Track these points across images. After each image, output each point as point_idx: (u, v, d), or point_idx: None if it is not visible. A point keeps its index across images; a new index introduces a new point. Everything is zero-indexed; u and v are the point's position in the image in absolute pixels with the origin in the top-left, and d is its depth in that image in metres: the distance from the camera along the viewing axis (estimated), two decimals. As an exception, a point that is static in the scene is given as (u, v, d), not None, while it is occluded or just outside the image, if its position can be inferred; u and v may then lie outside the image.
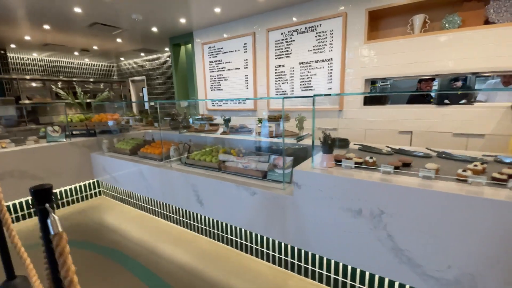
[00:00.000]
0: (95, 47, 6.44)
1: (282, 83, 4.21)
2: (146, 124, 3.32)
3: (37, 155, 2.91)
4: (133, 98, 9.08)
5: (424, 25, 3.20)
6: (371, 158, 1.68)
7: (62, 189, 3.24)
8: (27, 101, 6.07)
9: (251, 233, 2.13)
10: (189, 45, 5.83)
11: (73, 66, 8.15)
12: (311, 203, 1.66)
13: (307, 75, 3.94)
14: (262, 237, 2.06)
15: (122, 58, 8.25)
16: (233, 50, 4.70)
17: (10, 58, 6.67)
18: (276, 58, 4.21)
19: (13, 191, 2.75)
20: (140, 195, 3.05)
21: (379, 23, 3.52)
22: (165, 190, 2.58)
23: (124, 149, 3.20)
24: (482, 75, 3.12)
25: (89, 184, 3.50)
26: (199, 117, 2.63)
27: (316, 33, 3.76)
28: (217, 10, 4.05)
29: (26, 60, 7.09)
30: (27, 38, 5.28)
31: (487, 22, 2.87)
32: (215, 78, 5.09)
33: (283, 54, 4.12)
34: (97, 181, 3.58)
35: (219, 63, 4.96)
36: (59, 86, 7.53)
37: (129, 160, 2.98)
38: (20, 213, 2.90)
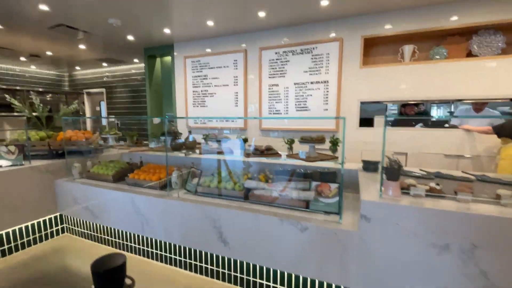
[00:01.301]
0: (49, 53, 5.45)
1: (276, 102, 4.03)
2: (134, 143, 2.74)
3: (-21, 186, 2.10)
4: (88, 113, 7.91)
5: (413, 55, 3.40)
6: (437, 184, 1.54)
7: (16, 227, 2.39)
8: None
9: (291, 276, 1.77)
10: (167, 58, 5.34)
11: (14, 73, 6.79)
12: (384, 239, 1.41)
13: (303, 95, 3.84)
14: (305, 280, 1.72)
15: (77, 67, 7.20)
16: (221, 66, 4.40)
17: None
18: (270, 77, 4.04)
19: None
20: (125, 233, 2.42)
21: (371, 49, 3.66)
22: (170, 226, 2.06)
23: (104, 174, 2.55)
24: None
25: (49, 219, 2.69)
26: (213, 138, 2.23)
27: (312, 55, 3.73)
28: (210, 23, 3.76)
29: (-52, 62, 5.63)
30: (-41, 35, 4.16)
31: (469, 54, 3.18)
32: (198, 94, 4.68)
33: (278, 74, 3.98)
34: (60, 216, 2.78)
35: (204, 78, 4.58)
36: (-7, 96, 6.14)
37: (113, 188, 2.36)
38: None
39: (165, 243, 2.21)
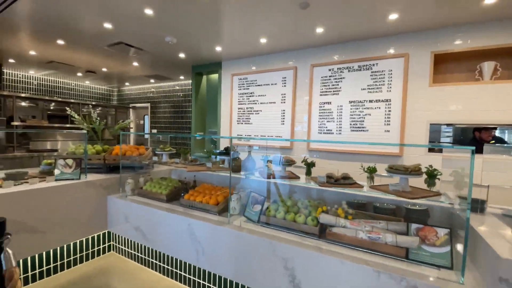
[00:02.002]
0: (104, 69, 5.75)
1: (328, 121, 3.74)
2: (187, 161, 2.59)
3: (41, 199, 2.04)
4: (133, 126, 8.21)
5: (495, 73, 2.95)
6: None
7: (65, 245, 2.30)
8: (18, 123, 5.07)
9: None
10: (213, 75, 5.35)
11: (69, 87, 7.30)
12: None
13: (359, 114, 3.51)
14: None
15: (127, 83, 7.56)
16: (269, 83, 4.25)
17: (4, 74, 5.77)
18: (321, 95, 3.78)
19: None
20: (177, 260, 2.20)
21: (441, 66, 3.26)
22: (230, 260, 1.80)
23: (157, 193, 2.41)
24: None
25: (98, 236, 2.59)
26: (284, 159, 1.99)
27: (372, 72, 3.42)
28: (263, 40, 3.64)
29: (20, 77, 6.19)
30: (32, 53, 4.51)
31: None
32: (244, 111, 4.54)
33: (330, 91, 3.72)
34: (108, 233, 2.67)
35: (250, 96, 4.45)
36: (52, 108, 6.59)
37: (167, 209, 2.19)
38: None
39: (220, 277, 1.95)
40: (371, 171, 1.80)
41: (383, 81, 3.34)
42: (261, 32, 3.41)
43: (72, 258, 2.37)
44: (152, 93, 7.51)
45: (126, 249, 2.56)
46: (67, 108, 2.94)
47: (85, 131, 2.59)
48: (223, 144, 4.87)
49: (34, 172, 2.49)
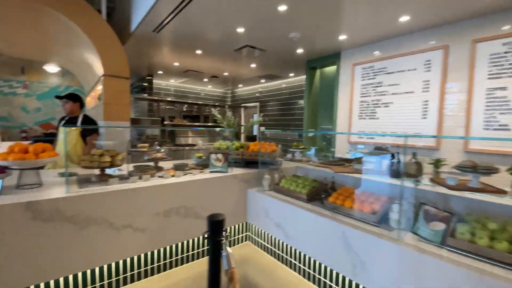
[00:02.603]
0: (225, 74, 6.35)
1: (501, 113, 2.76)
2: (322, 160, 2.40)
3: (204, 188, 2.29)
4: (243, 124, 8.86)
5: None
6: None
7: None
8: (168, 122, 6.27)
9: None
10: (327, 68, 5.00)
11: (195, 91, 8.52)
12: None
13: None
14: None
15: (240, 85, 8.20)
16: (404, 69, 3.55)
17: (154, 83, 7.27)
18: (490, 78, 2.83)
19: (175, 231, 2.14)
20: (325, 268, 2.04)
21: None
22: (406, 285, 1.47)
23: (296, 191, 2.31)
24: None
25: (238, 226, 2.75)
26: (468, 166, 1.49)
27: None
28: (404, 19, 3.03)
29: (163, 85, 7.65)
30: (176, 64, 5.42)
31: None
32: (368, 104, 4.00)
33: (506, 73, 2.72)
34: (246, 223, 2.81)
35: (377, 86, 3.87)
36: (184, 109, 7.81)
37: (311, 211, 2.03)
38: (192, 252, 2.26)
39: (381, 298, 1.64)
40: None
41: None
42: (402, 9, 2.83)
43: (218, 243, 2.59)
44: (260, 93, 7.85)
45: (263, 242, 2.60)
46: (212, 109, 3.28)
47: (232, 129, 2.78)
48: (339, 141, 4.49)
49: (192, 165, 2.86)
